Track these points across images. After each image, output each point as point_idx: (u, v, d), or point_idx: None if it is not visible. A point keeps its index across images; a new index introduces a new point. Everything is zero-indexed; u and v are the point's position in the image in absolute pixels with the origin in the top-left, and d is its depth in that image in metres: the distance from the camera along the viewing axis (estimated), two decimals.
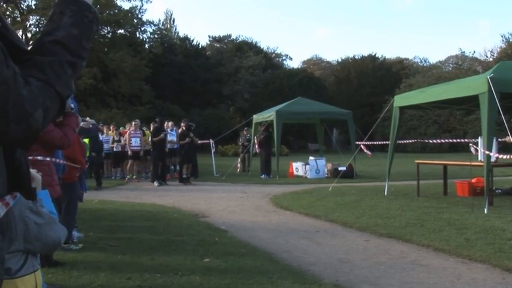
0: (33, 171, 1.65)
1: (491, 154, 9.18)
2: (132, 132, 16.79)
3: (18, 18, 38.03)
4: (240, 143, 21.37)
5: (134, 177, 16.84)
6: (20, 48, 1.37)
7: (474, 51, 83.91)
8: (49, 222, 1.56)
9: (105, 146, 17.26)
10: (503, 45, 47.82)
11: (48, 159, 5.18)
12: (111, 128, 18.69)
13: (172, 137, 16.38)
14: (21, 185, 1.45)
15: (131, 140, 16.63)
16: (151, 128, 17.07)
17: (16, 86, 1.18)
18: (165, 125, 16.72)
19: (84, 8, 1.37)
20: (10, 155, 1.39)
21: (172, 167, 17.78)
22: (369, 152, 14.05)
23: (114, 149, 17.32)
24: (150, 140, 16.10)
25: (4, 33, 1.37)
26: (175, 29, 57.08)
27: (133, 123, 17.26)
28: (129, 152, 16.71)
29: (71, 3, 1.36)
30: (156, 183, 15.14)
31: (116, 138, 17.48)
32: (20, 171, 1.44)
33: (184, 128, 16.10)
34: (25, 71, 1.25)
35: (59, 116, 1.43)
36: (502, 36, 59.09)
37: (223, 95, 51.02)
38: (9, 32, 1.39)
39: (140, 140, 16.73)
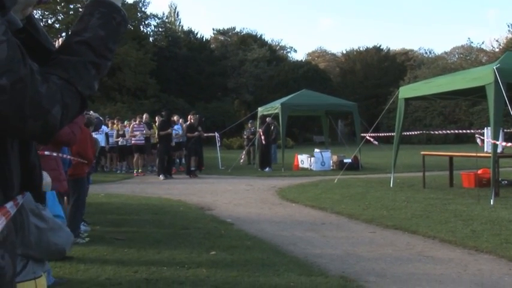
0: (44, 173, 1.64)
1: (500, 144, 9.15)
2: (135, 126, 16.85)
3: None
4: (244, 136, 21.37)
5: (139, 170, 16.86)
6: (49, 49, 1.41)
7: (483, 42, 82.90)
8: (53, 227, 1.51)
9: (110, 140, 17.36)
10: (510, 35, 47.39)
11: (55, 154, 5.20)
12: (116, 122, 18.74)
13: (176, 131, 16.40)
14: (33, 187, 1.46)
15: (134, 132, 16.72)
16: (157, 122, 17.12)
17: (33, 83, 1.19)
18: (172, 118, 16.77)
19: (113, 10, 1.39)
20: (25, 157, 1.40)
21: (178, 160, 17.82)
22: (375, 142, 14.03)
23: (120, 143, 17.37)
24: (156, 133, 16.15)
25: (34, 35, 1.41)
26: (180, 22, 57.06)
27: (138, 117, 17.34)
28: (133, 146, 16.78)
29: (100, 5, 1.38)
30: (161, 177, 15.17)
31: (120, 133, 17.51)
32: (33, 173, 1.46)
33: (192, 120, 16.09)
34: (48, 69, 1.27)
35: (79, 115, 1.43)
36: (508, 26, 58.70)
37: (228, 88, 50.91)
38: (39, 34, 1.44)
39: (143, 134, 16.79)
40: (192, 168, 15.76)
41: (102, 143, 16.12)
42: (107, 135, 17.09)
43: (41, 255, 1.47)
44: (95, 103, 35.13)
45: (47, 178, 1.70)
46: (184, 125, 16.71)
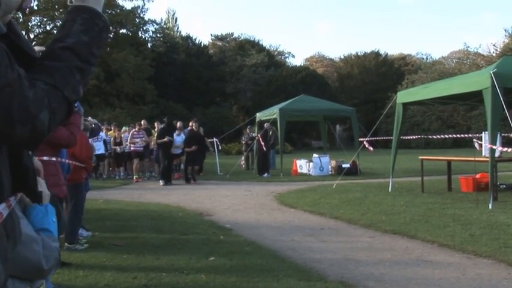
0: (40, 180, 1.61)
1: (497, 148, 9.18)
2: (135, 133, 16.82)
3: (21, 19, 38.06)
4: (243, 142, 21.38)
5: (136, 176, 16.78)
6: (30, 55, 1.42)
7: (480, 45, 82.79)
8: (25, 240, 1.39)
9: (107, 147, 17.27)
10: (507, 40, 47.53)
11: (54, 159, 5.21)
12: (112, 128, 18.67)
13: (178, 142, 16.32)
14: (28, 188, 1.47)
15: (134, 139, 16.67)
16: (156, 128, 17.12)
17: (21, 88, 1.21)
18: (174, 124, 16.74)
19: (95, 16, 1.41)
20: (17, 160, 1.41)
21: (177, 167, 17.73)
22: (371, 148, 14.01)
23: (118, 151, 17.27)
24: (155, 140, 16.12)
25: (15, 41, 1.41)
26: (178, 28, 57.12)
27: (137, 125, 17.29)
28: (133, 153, 16.75)
29: (82, 11, 1.40)
30: (161, 182, 15.15)
31: (117, 141, 17.39)
32: (26, 175, 1.46)
33: (194, 128, 16.03)
34: (34, 75, 1.28)
35: (66, 119, 1.43)
36: (505, 30, 58.85)
37: (226, 93, 50.93)
38: (20, 40, 1.44)
39: (143, 141, 16.76)
40: (189, 176, 15.73)
41: (101, 151, 16.01)
42: (105, 143, 16.99)
43: (12, 270, 1.35)
44: (93, 109, 35.13)
45: (45, 190, 1.65)
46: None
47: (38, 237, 1.46)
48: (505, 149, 9.68)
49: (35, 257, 1.41)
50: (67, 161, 5.89)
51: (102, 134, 16.54)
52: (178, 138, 16.13)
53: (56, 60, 1.33)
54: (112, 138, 17.50)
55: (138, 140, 16.70)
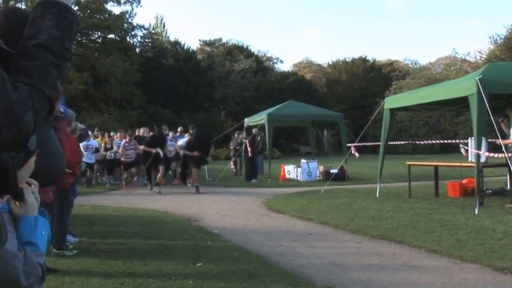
0: (32, 196, 1.56)
1: (483, 154, 9.27)
2: (126, 144, 16.33)
3: None
4: (231, 147, 21.38)
5: (124, 183, 16.61)
6: (5, 51, 1.39)
7: (468, 53, 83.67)
8: (3, 256, 1.32)
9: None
10: (492, 47, 48.15)
11: None
12: (99, 135, 18.44)
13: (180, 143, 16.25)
14: (7, 186, 1.44)
15: (126, 151, 16.31)
16: (144, 133, 17.03)
17: (5, 91, 1.19)
18: (164, 132, 16.58)
19: (63, 10, 1.38)
20: None
21: (171, 172, 17.54)
22: (356, 154, 14.03)
23: (107, 157, 17.06)
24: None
25: None
26: (166, 33, 57.00)
27: (128, 135, 16.90)
28: (123, 163, 16.53)
29: (50, 6, 1.37)
30: (149, 187, 15.03)
31: (107, 146, 17.20)
32: (6, 172, 1.43)
33: (199, 134, 15.87)
34: (12, 77, 1.26)
35: (49, 119, 1.40)
36: (490, 37, 59.70)
37: (215, 98, 50.91)
38: None
39: (134, 152, 16.40)
40: (197, 185, 15.42)
41: (92, 160, 15.82)
42: (98, 150, 16.73)
43: None
44: (81, 114, 34.91)
45: (32, 200, 1.59)
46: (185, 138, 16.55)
47: (19, 253, 1.38)
48: (491, 155, 9.79)
49: (12, 272, 1.34)
50: None
51: (94, 143, 16.39)
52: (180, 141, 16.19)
53: (31, 59, 1.30)
54: (103, 144, 17.27)
55: (130, 152, 16.30)
